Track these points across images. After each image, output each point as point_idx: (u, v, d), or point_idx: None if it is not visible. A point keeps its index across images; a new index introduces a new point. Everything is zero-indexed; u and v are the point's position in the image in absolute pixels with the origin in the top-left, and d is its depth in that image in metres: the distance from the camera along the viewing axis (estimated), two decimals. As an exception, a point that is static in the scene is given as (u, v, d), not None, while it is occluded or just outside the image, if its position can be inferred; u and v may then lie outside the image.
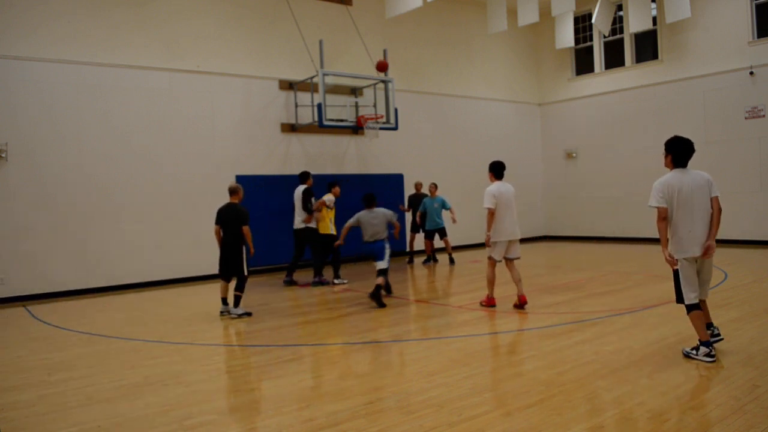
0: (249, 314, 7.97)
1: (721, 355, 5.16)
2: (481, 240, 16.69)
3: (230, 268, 8.03)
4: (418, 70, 15.14)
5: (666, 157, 5.28)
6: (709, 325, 5.39)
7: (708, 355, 5.01)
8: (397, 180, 14.45)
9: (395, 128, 12.64)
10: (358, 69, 13.21)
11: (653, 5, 14.37)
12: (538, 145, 18.10)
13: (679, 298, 5.22)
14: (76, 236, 10.35)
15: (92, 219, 10.51)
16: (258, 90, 12.46)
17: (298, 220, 10.56)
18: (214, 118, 11.90)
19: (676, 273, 5.22)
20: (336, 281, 10.47)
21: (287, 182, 12.63)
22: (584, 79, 17.03)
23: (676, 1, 13.08)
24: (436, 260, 13.03)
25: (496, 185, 7.72)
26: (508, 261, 7.73)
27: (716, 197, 5.16)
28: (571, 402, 4.19)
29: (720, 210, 5.16)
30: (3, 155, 9.69)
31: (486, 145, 16.53)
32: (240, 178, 12.09)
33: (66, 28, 10.34)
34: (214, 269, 11.71)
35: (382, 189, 13.17)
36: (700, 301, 5.23)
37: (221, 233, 8.10)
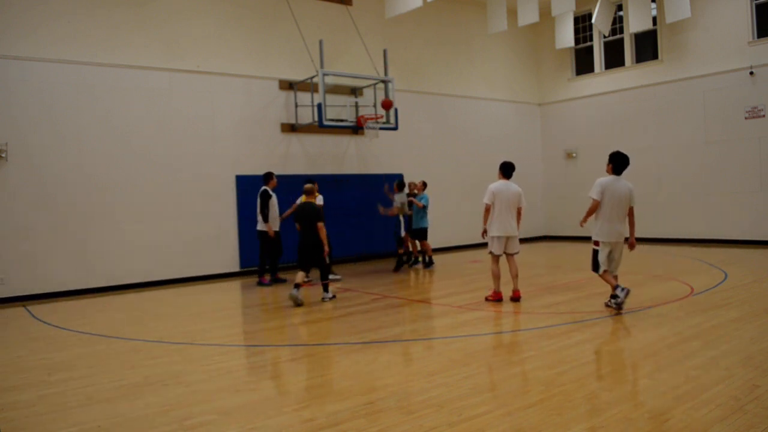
0: (334, 297, 8.91)
1: (721, 355, 5.17)
2: (481, 240, 16.70)
3: (309, 261, 8.72)
4: (418, 70, 15.14)
5: (608, 165, 7.24)
6: (618, 287, 7.08)
7: (617, 302, 6.97)
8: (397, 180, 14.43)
9: (395, 128, 12.64)
10: (358, 69, 13.22)
11: (653, 5, 14.38)
12: (538, 145, 18.10)
13: (594, 268, 7.15)
14: (76, 236, 10.35)
15: (92, 219, 10.52)
16: (258, 90, 12.46)
17: (259, 222, 10.56)
18: (214, 118, 11.91)
19: (594, 251, 7.13)
20: (331, 277, 10.58)
21: (287, 182, 12.63)
22: (584, 79, 17.04)
23: (676, 1, 13.08)
24: (420, 262, 12.61)
25: (498, 183, 8.19)
26: (508, 256, 8.14)
27: (632, 206, 7.09)
28: (571, 402, 4.19)
29: (633, 214, 7.11)
30: (3, 155, 9.69)
31: (486, 145, 16.54)
32: (240, 178, 12.10)
33: (66, 28, 10.34)
34: (214, 269, 11.87)
35: (382, 189, 13.16)
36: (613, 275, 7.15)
37: (300, 229, 8.84)
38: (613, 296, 7.04)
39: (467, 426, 3.82)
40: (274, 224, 10.55)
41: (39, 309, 9.08)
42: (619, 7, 15.82)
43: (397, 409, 4.19)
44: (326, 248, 8.61)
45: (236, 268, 12.10)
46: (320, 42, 11.81)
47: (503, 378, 4.85)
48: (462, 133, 16.04)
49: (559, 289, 8.99)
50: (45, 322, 7.99)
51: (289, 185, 12.65)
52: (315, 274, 10.21)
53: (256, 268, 11.33)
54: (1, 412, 4.47)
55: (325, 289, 8.83)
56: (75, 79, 10.40)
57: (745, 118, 13.73)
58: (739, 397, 4.13)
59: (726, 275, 9.54)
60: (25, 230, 9.90)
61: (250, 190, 12.18)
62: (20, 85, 9.91)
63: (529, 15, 13.35)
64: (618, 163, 7.16)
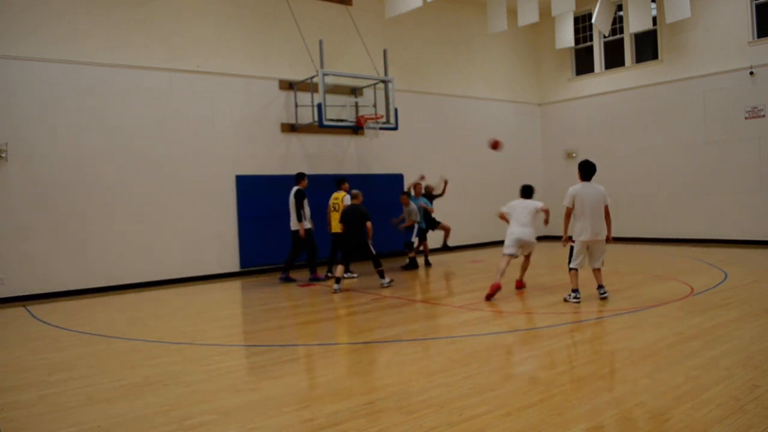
0: (392, 281, 9.91)
1: (721, 355, 5.17)
2: (481, 240, 16.67)
3: (354, 256, 9.96)
4: (418, 70, 15.14)
5: (578, 173, 8.02)
6: (600, 287, 7.89)
7: (575, 297, 7.72)
8: (397, 180, 14.44)
9: (395, 128, 12.64)
10: (358, 69, 13.22)
11: (653, 5, 14.37)
12: (538, 145, 18.10)
13: (570, 264, 7.95)
14: (76, 236, 10.35)
15: (92, 219, 10.52)
16: (258, 90, 12.46)
17: (292, 222, 10.77)
18: (214, 118, 11.90)
19: (571, 248, 8.00)
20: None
21: (287, 182, 12.63)
22: (584, 79, 17.03)
23: (676, 1, 13.08)
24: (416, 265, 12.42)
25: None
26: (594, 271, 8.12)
27: (607, 204, 7.75)
28: (571, 402, 4.19)
29: (609, 213, 7.75)
30: (3, 155, 9.69)
31: (486, 145, 16.52)
32: (240, 178, 12.10)
33: (66, 28, 10.34)
34: (214, 269, 11.87)
35: (382, 189, 13.17)
36: (594, 269, 7.90)
37: (343, 229, 9.87)
38: (574, 290, 7.81)
39: (467, 426, 3.82)
40: (308, 223, 10.76)
41: (39, 309, 9.08)
42: (619, 7, 15.81)
43: (397, 409, 4.19)
44: (370, 237, 9.70)
45: (236, 268, 12.10)
46: (320, 42, 11.81)
47: (503, 378, 4.85)
48: (462, 133, 16.04)
49: (559, 289, 8.99)
50: (45, 322, 7.99)
51: (289, 185, 12.67)
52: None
53: (256, 268, 11.36)
54: (1, 412, 4.47)
55: (381, 276, 9.75)
56: (75, 79, 10.40)
57: (745, 118, 13.73)
58: (739, 397, 4.13)
59: (726, 275, 9.54)
60: (25, 230, 9.90)
61: (250, 190, 12.20)
62: (20, 85, 9.91)
63: (529, 15, 13.35)
64: (585, 170, 7.97)
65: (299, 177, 10.90)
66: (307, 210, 10.72)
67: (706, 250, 12.96)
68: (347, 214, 9.77)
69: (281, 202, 12.40)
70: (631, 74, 15.87)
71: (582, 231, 7.70)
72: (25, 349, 6.55)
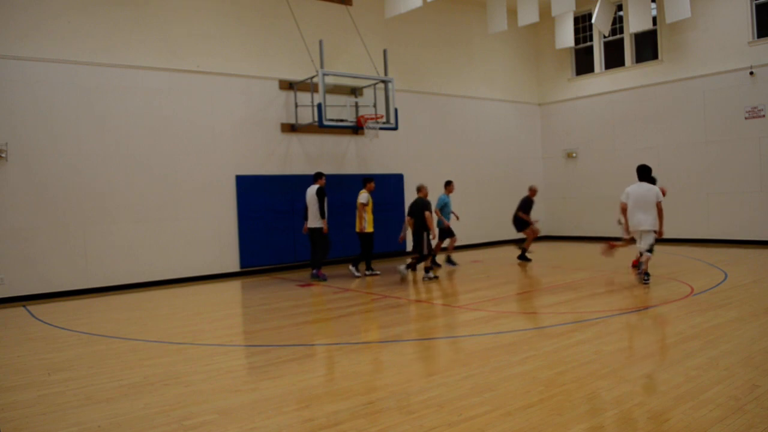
0: (436, 277, 10.40)
1: (721, 355, 5.17)
2: (481, 240, 16.64)
3: (414, 247, 10.45)
4: (418, 70, 15.14)
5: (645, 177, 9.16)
6: (641, 270, 9.08)
7: (645, 280, 8.98)
8: (397, 180, 14.45)
9: (395, 128, 12.64)
10: (358, 69, 13.22)
11: (653, 5, 14.37)
12: (538, 145, 18.10)
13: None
14: (75, 236, 10.35)
15: (92, 218, 10.52)
16: (258, 90, 12.46)
17: (311, 219, 10.85)
18: (214, 118, 11.90)
19: (631, 238, 9.36)
20: (367, 272, 11.15)
21: (287, 182, 12.66)
22: (584, 79, 17.03)
23: (676, 1, 13.08)
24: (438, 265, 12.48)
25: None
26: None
27: (659, 202, 8.82)
28: (571, 402, 4.19)
29: (661, 209, 8.83)
30: (3, 155, 9.69)
31: (486, 145, 16.55)
32: (240, 178, 12.10)
33: (65, 28, 10.34)
34: (214, 269, 11.86)
35: (382, 189, 13.17)
36: (641, 254, 9.02)
37: (413, 222, 10.38)
38: (645, 273, 9.02)
39: (467, 426, 3.82)
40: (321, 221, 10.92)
41: (39, 309, 9.08)
42: (619, 7, 15.82)
43: (397, 409, 4.19)
44: (433, 235, 10.34)
45: (236, 268, 12.10)
46: (320, 42, 11.80)
47: (503, 378, 4.85)
48: (462, 133, 16.04)
49: (559, 289, 8.99)
50: (45, 322, 7.99)
51: (289, 185, 12.67)
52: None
53: (256, 268, 11.36)
54: (1, 412, 4.47)
55: (426, 271, 10.36)
56: (74, 79, 10.40)
57: (745, 118, 13.73)
58: (739, 397, 4.13)
59: (726, 275, 9.54)
60: (24, 230, 9.90)
61: (250, 190, 12.20)
62: (20, 85, 9.91)
63: (529, 15, 13.35)
64: (638, 173, 9.28)
65: (318, 176, 11.05)
66: (325, 208, 10.94)
67: (706, 250, 12.96)
68: (412, 207, 10.47)
69: (281, 202, 12.42)
70: (631, 74, 15.87)
71: (635, 224, 8.95)
72: (25, 349, 6.55)
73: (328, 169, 13.33)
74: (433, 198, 11.45)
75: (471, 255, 14.27)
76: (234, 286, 10.99)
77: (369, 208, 10.91)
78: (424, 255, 10.32)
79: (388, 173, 14.33)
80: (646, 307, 7.38)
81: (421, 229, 10.26)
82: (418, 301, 8.85)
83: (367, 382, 4.88)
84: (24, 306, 9.41)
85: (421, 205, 10.33)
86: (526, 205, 12.39)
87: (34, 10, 10.05)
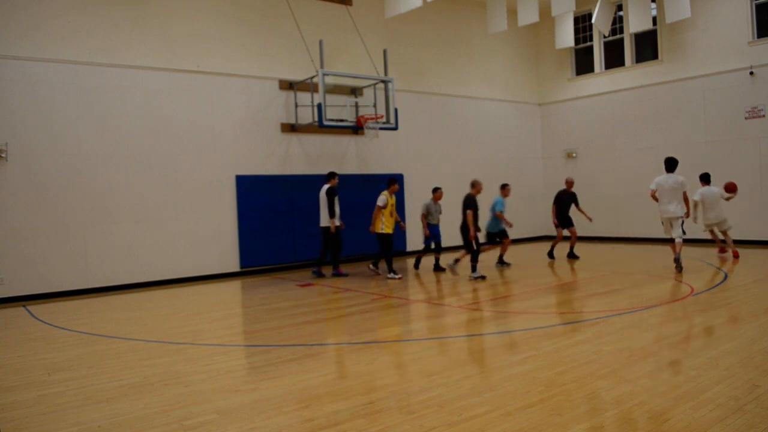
0: (483, 277, 10.17)
1: (721, 355, 5.17)
2: (481, 240, 16.69)
3: (462, 242, 10.47)
4: (418, 70, 15.13)
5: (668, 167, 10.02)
6: (676, 258, 10.05)
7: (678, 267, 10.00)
8: (397, 180, 14.41)
9: (395, 128, 12.64)
10: (358, 69, 13.22)
11: (653, 5, 14.37)
12: (538, 145, 18.10)
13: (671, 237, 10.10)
14: (75, 236, 10.35)
15: (92, 218, 10.52)
16: (258, 90, 12.46)
17: (322, 218, 11.03)
18: (214, 118, 11.90)
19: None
20: (389, 276, 10.83)
21: (287, 182, 12.66)
22: (584, 79, 17.03)
23: (676, 1, 13.08)
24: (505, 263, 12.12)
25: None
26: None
27: (685, 191, 9.96)
28: (571, 402, 4.19)
29: (686, 197, 10.01)
30: (3, 155, 9.69)
31: (486, 145, 16.55)
32: (240, 178, 12.10)
33: (65, 28, 10.34)
34: (214, 269, 11.87)
35: (382, 189, 13.14)
36: (673, 241, 10.08)
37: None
38: (675, 259, 10.11)
39: (467, 426, 3.82)
40: (337, 220, 11.05)
41: (39, 309, 9.08)
42: (619, 7, 15.81)
43: (397, 409, 4.19)
44: (471, 233, 10.16)
45: (236, 268, 12.10)
46: (320, 42, 11.81)
47: (503, 378, 4.85)
48: (462, 133, 16.04)
49: (559, 289, 8.99)
50: (45, 322, 7.99)
51: (289, 185, 12.67)
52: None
53: (256, 268, 11.35)
54: (1, 412, 4.47)
55: (473, 270, 10.20)
56: (74, 79, 10.40)
57: (745, 118, 13.73)
58: (739, 397, 4.13)
59: (726, 275, 9.53)
60: (24, 230, 9.90)
61: (250, 190, 12.20)
62: (20, 85, 9.91)
63: (529, 15, 13.35)
64: (666, 164, 10.13)
65: (330, 175, 11.19)
66: (337, 208, 11.01)
67: (707, 250, 12.95)
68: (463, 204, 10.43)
69: (281, 202, 12.42)
70: (631, 74, 15.87)
71: (663, 212, 10.05)
72: (25, 349, 6.55)
73: (328, 169, 13.32)
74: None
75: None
76: (234, 286, 10.99)
77: (387, 211, 10.82)
78: (474, 251, 10.25)
79: (388, 173, 14.32)
80: (646, 307, 7.38)
81: (464, 225, 10.31)
82: (418, 301, 8.85)
83: (367, 382, 4.88)
84: (24, 306, 9.41)
85: (463, 202, 10.36)
86: (571, 199, 12.56)
87: (34, 10, 10.05)
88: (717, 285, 8.71)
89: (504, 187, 11.78)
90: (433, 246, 11.67)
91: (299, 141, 13.03)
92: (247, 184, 12.16)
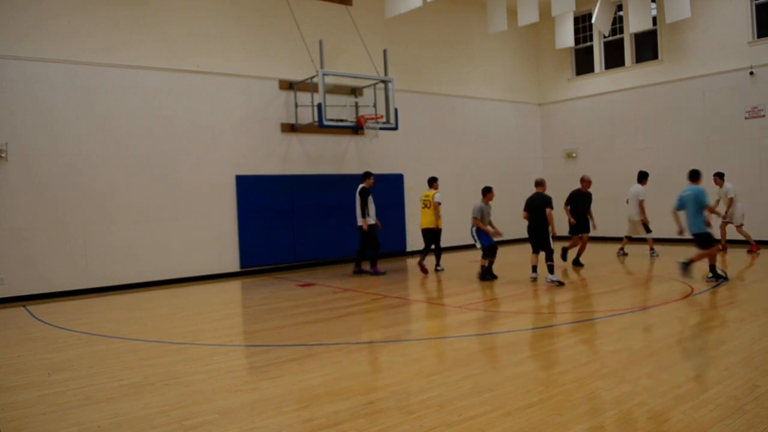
0: (561, 284, 9.22)
1: (721, 355, 5.17)
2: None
3: (538, 244, 9.78)
4: (418, 70, 15.14)
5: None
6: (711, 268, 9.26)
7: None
8: (397, 180, 14.45)
9: (395, 128, 12.64)
10: (358, 69, 13.22)
11: (653, 5, 14.37)
12: (538, 145, 18.10)
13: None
14: (75, 236, 10.35)
15: (92, 218, 10.51)
16: (258, 90, 12.46)
17: (358, 217, 11.28)
18: (214, 118, 11.90)
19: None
20: (437, 268, 11.47)
21: (287, 182, 12.66)
22: (584, 79, 17.03)
23: (676, 1, 13.08)
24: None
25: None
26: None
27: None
28: (571, 402, 4.19)
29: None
30: (3, 155, 9.69)
31: (486, 145, 16.55)
32: (240, 178, 12.10)
33: (65, 28, 10.34)
34: (214, 269, 11.87)
35: (382, 189, 13.16)
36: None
37: (528, 217, 9.86)
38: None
39: (467, 426, 3.82)
40: (372, 219, 11.23)
41: (39, 309, 9.08)
42: (619, 7, 15.81)
43: (397, 409, 4.19)
44: (553, 231, 9.77)
45: (236, 268, 12.10)
46: (320, 42, 11.80)
47: (503, 378, 4.85)
48: (462, 133, 16.04)
49: (559, 289, 8.99)
50: (45, 322, 7.99)
51: (289, 185, 12.67)
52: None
53: (256, 268, 11.33)
54: (1, 412, 4.47)
55: (550, 271, 9.48)
56: (74, 79, 10.40)
57: (745, 118, 13.73)
58: (739, 397, 4.13)
59: (726, 275, 9.53)
60: (24, 230, 9.90)
61: (250, 190, 12.20)
62: (20, 85, 9.90)
63: (529, 15, 13.35)
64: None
65: (365, 175, 11.38)
66: (371, 207, 11.20)
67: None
68: (530, 202, 9.91)
69: (281, 202, 12.43)
70: (631, 74, 15.87)
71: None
72: (25, 349, 6.55)
73: (328, 169, 13.34)
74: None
75: (471, 255, 14.25)
76: (234, 286, 10.99)
77: (429, 208, 11.28)
78: (550, 251, 9.62)
79: (388, 173, 14.33)
80: (646, 307, 7.38)
81: (543, 225, 9.66)
82: (418, 301, 8.85)
83: (367, 382, 4.88)
84: (24, 306, 9.41)
85: (540, 200, 9.73)
86: (587, 200, 12.06)
87: (34, 10, 10.05)
88: (717, 285, 8.71)
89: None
90: (480, 249, 10.53)
91: (299, 141, 13.03)
92: (247, 184, 12.16)
